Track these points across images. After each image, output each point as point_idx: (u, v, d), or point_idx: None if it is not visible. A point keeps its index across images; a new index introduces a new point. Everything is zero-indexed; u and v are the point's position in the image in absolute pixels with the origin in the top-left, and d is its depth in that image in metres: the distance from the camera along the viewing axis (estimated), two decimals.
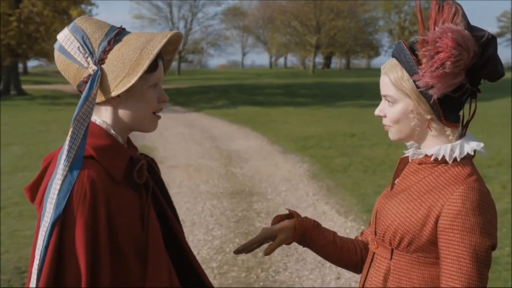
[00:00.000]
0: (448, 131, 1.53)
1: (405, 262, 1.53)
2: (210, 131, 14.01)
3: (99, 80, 1.45)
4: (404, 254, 1.53)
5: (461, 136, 1.53)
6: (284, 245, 1.77)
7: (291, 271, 4.72)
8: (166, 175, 7.97)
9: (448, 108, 1.49)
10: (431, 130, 1.53)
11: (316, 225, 1.79)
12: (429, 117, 1.51)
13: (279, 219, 1.80)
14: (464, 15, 1.46)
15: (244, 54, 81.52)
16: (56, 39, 1.54)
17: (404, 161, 1.64)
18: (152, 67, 1.49)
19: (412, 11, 53.07)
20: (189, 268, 1.67)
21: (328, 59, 68.54)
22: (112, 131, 1.52)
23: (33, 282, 1.38)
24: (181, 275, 1.63)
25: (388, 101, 1.56)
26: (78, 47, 1.48)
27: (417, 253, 1.51)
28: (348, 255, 1.79)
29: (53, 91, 30.31)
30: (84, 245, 1.37)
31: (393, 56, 1.54)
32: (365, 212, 6.21)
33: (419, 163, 1.56)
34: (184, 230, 1.87)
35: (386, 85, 1.55)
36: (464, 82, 1.45)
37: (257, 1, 66.20)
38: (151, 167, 1.63)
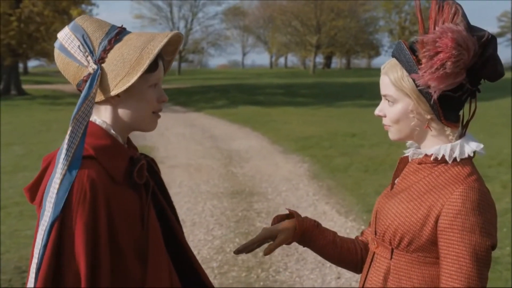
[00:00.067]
0: (448, 131, 1.53)
1: (405, 261, 1.53)
2: (210, 131, 14.01)
3: (99, 79, 1.45)
4: (404, 253, 1.53)
5: (461, 136, 1.53)
6: (284, 245, 1.77)
7: (291, 270, 4.72)
8: (167, 175, 7.97)
9: (448, 108, 1.49)
10: (431, 130, 1.53)
11: (316, 225, 1.79)
12: (429, 117, 1.51)
13: (279, 219, 1.80)
14: (464, 15, 1.46)
15: (244, 54, 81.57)
16: (56, 39, 1.54)
17: (404, 161, 1.64)
18: (152, 67, 1.49)
19: (413, 11, 53.03)
20: (189, 268, 1.67)
21: (328, 59, 68.55)
22: (112, 131, 1.52)
23: (31, 281, 1.38)
24: (182, 275, 1.63)
25: (388, 101, 1.56)
26: (79, 46, 1.48)
27: (417, 252, 1.51)
28: (348, 255, 1.79)
29: (53, 91, 30.34)
30: (84, 245, 1.37)
31: (393, 56, 1.54)
32: (366, 212, 6.21)
33: (419, 163, 1.56)
34: (185, 230, 1.87)
35: (386, 85, 1.55)
36: (464, 82, 1.45)
37: (257, 0, 66.27)
38: (151, 167, 1.63)
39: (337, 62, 75.76)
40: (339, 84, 33.12)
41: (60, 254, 1.37)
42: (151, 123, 1.57)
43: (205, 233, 5.71)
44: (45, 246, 1.36)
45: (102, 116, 1.53)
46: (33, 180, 1.52)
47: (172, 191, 6.84)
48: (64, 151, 1.41)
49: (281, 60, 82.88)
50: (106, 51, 1.47)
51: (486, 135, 11.33)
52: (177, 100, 23.45)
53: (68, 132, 1.41)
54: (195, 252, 2.03)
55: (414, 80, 1.48)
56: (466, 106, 1.53)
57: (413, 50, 1.48)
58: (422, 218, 1.48)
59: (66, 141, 1.41)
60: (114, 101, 1.50)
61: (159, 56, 1.51)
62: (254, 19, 66.16)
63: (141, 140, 11.13)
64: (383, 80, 1.56)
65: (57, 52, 1.52)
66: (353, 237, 1.91)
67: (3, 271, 4.60)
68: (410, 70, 1.48)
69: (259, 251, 4.23)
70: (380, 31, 64.13)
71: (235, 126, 15.04)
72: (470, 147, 1.51)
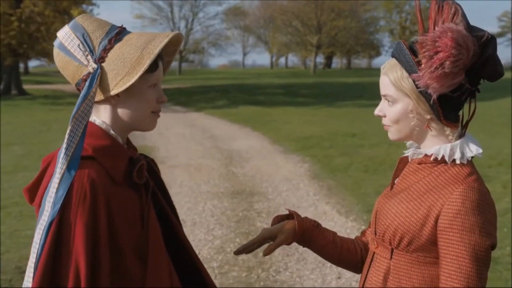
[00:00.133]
0: (448, 131, 1.53)
1: (405, 261, 1.53)
2: (210, 131, 14.01)
3: (99, 78, 1.45)
4: (404, 253, 1.53)
5: (461, 136, 1.53)
6: (284, 245, 1.77)
7: (291, 271, 4.72)
8: (167, 175, 7.97)
9: (448, 108, 1.49)
10: (431, 130, 1.53)
11: (316, 225, 1.79)
12: (428, 117, 1.51)
13: (279, 219, 1.80)
14: (463, 15, 1.46)
15: (245, 54, 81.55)
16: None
17: (404, 161, 1.64)
18: (152, 67, 1.49)
19: (413, 11, 52.98)
20: (191, 267, 1.66)
21: (329, 59, 68.56)
22: (112, 132, 1.51)
23: (28, 280, 1.37)
24: (183, 275, 1.63)
25: (388, 101, 1.56)
26: (78, 45, 1.47)
27: (417, 252, 1.51)
28: (348, 255, 1.79)
29: (54, 91, 30.34)
30: (84, 245, 1.36)
31: (392, 56, 1.54)
32: (366, 212, 6.21)
33: (419, 163, 1.56)
34: (185, 230, 1.87)
35: (385, 85, 1.55)
36: (464, 82, 1.45)
37: (258, 1, 66.24)
38: (151, 167, 1.63)
39: (337, 62, 75.76)
40: (339, 84, 33.12)
41: (58, 254, 1.36)
42: (151, 123, 1.57)
43: (206, 233, 5.71)
44: (43, 246, 1.36)
45: (101, 116, 1.52)
46: (33, 181, 1.52)
47: (173, 191, 6.84)
48: (63, 150, 1.40)
49: (282, 60, 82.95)
50: (106, 50, 1.47)
51: (486, 135, 11.32)
52: (178, 100, 23.44)
53: (68, 131, 1.41)
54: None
55: (413, 80, 1.48)
56: (466, 106, 1.53)
57: (412, 50, 1.48)
58: (422, 218, 1.48)
59: (65, 140, 1.41)
60: (113, 100, 1.50)
61: (159, 56, 1.51)
62: (255, 19, 66.15)
63: (141, 140, 11.13)
64: (382, 80, 1.56)
65: (56, 51, 1.52)
66: (353, 237, 1.91)
67: (4, 271, 4.60)
68: (409, 70, 1.48)
69: (260, 251, 4.22)
70: (380, 31, 64.16)
71: (235, 126, 15.04)
72: (471, 150, 1.51)
